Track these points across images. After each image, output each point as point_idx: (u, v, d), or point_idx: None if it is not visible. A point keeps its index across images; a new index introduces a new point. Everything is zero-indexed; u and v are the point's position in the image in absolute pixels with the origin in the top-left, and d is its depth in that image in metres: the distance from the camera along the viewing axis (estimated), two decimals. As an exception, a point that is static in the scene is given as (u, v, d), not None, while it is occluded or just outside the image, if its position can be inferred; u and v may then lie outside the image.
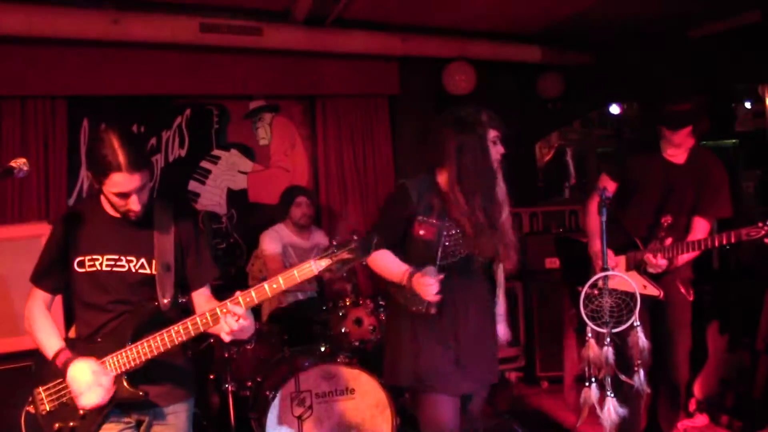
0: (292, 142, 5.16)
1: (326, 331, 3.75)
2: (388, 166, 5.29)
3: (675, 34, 4.71)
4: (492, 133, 2.51)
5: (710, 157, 3.08)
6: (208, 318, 1.99)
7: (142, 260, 2.10)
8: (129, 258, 2.10)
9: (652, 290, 2.97)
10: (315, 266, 1.93)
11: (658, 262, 2.87)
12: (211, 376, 3.92)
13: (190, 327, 2.00)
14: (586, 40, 5.19)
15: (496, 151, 2.51)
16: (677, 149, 3.04)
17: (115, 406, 2.04)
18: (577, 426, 2.54)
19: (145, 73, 4.47)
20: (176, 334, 2.00)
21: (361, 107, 5.22)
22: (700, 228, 3.00)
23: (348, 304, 3.79)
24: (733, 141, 5.58)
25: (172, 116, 4.79)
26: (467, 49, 5.06)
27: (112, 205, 2.07)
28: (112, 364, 2.03)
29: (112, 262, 2.09)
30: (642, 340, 2.38)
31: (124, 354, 2.02)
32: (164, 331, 2.01)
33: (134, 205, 2.02)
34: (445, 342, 2.51)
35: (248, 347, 3.70)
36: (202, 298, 2.20)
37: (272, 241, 4.27)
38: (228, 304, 1.96)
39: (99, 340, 2.06)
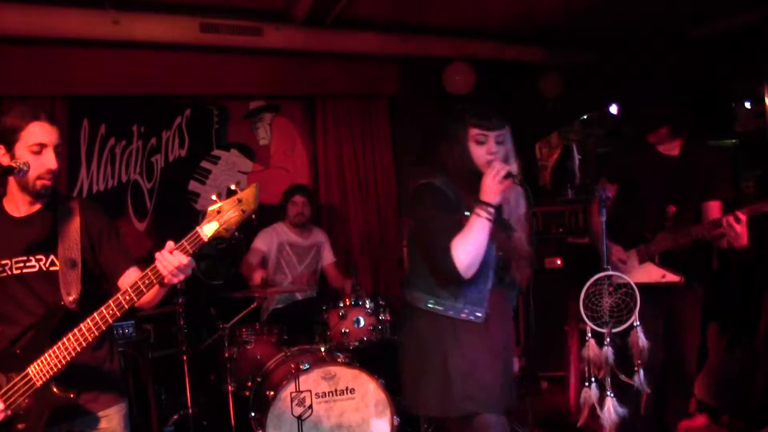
0: (292, 142, 5.17)
1: (326, 331, 3.76)
2: (387, 166, 5.30)
3: (675, 34, 4.71)
4: (473, 131, 2.25)
5: (704, 145, 3.12)
6: (132, 293, 1.87)
7: (51, 257, 2.03)
8: (38, 257, 2.03)
9: (672, 277, 2.95)
10: (202, 232, 1.80)
11: (734, 225, 2.63)
12: (212, 377, 3.93)
13: (114, 307, 1.87)
14: (586, 40, 5.19)
15: (485, 151, 2.24)
16: (669, 144, 3.07)
17: (49, 423, 1.95)
18: (577, 426, 2.52)
19: (145, 73, 4.47)
20: (96, 322, 1.89)
21: (361, 107, 5.22)
22: (714, 211, 2.99)
23: (348, 304, 3.79)
24: (733, 141, 5.56)
25: (172, 116, 4.79)
26: (467, 49, 5.05)
27: (22, 188, 2.00)
28: (35, 374, 1.93)
29: (22, 264, 2.02)
30: (642, 339, 2.37)
31: (44, 360, 1.93)
32: (82, 324, 1.90)
33: (51, 162, 1.98)
34: (496, 353, 2.29)
35: (248, 347, 3.71)
36: (131, 279, 2.01)
37: (263, 238, 4.33)
38: (162, 254, 1.82)
39: (18, 351, 1.97)
